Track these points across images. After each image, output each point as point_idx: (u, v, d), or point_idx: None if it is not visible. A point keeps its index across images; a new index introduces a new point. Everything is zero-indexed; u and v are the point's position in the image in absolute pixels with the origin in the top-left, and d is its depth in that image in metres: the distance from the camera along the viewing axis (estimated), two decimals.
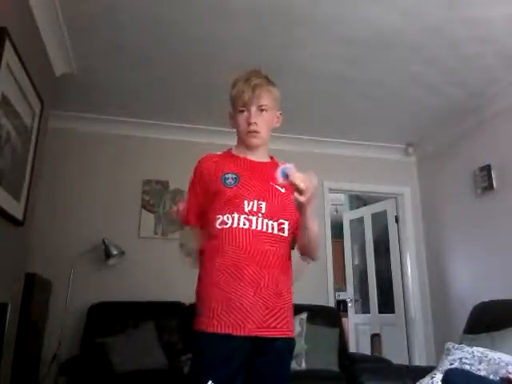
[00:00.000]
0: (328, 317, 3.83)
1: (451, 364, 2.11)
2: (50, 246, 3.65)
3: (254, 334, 1.37)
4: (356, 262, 5.47)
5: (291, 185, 1.37)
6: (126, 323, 3.35)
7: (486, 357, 2.06)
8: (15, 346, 2.67)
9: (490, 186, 3.64)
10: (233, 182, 1.51)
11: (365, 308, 5.21)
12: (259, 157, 1.62)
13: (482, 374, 1.98)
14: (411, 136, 4.53)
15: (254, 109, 1.55)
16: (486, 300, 2.76)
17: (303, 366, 3.40)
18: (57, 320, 3.42)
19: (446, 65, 3.24)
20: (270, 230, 1.46)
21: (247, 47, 3.04)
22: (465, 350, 2.16)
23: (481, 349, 2.13)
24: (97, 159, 4.07)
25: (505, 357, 2.04)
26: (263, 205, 1.48)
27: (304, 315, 3.60)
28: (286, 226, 1.50)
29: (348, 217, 5.62)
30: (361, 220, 5.30)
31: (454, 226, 4.12)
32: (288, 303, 1.47)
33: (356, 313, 5.34)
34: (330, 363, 3.48)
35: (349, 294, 5.47)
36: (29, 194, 2.71)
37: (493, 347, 2.18)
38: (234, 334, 1.35)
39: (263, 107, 1.56)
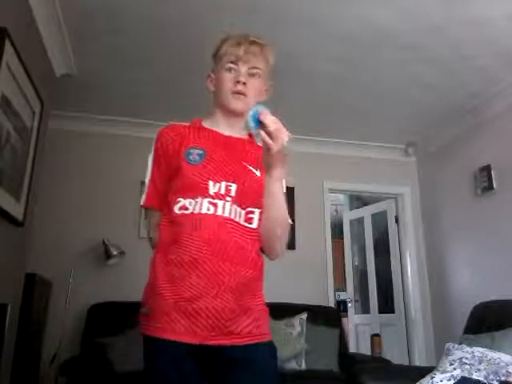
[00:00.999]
0: (328, 317, 3.83)
1: (451, 364, 2.11)
2: (50, 246, 3.65)
3: (215, 341, 1.14)
4: (356, 262, 5.47)
5: (262, 129, 1.12)
6: (126, 323, 3.34)
7: (486, 357, 2.06)
8: (15, 346, 2.67)
9: (490, 187, 3.64)
10: (198, 158, 1.25)
11: (365, 308, 5.21)
12: (235, 131, 1.35)
13: (483, 373, 1.98)
14: (411, 136, 4.53)
15: (244, 68, 1.31)
16: (486, 300, 2.76)
17: (303, 366, 3.40)
18: (57, 320, 3.42)
19: (446, 65, 3.24)
20: (237, 219, 1.22)
21: None
22: (465, 350, 2.17)
23: (481, 349, 2.14)
24: (97, 159, 4.07)
25: (505, 357, 2.04)
26: (233, 187, 1.23)
27: (304, 315, 3.61)
28: (255, 215, 1.26)
29: (348, 217, 5.62)
30: (361, 220, 5.30)
31: (454, 226, 4.12)
32: (260, 304, 1.25)
33: (356, 313, 5.34)
34: (330, 363, 3.48)
35: (349, 294, 5.47)
36: (29, 194, 2.71)
37: (493, 347, 2.18)
38: (191, 341, 1.13)
39: (256, 70, 1.32)
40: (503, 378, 1.93)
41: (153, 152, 1.33)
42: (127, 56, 3.20)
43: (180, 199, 1.23)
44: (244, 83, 1.29)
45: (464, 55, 3.11)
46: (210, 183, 1.22)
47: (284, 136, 1.12)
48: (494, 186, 3.62)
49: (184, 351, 1.13)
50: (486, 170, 3.68)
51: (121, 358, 3.00)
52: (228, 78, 1.31)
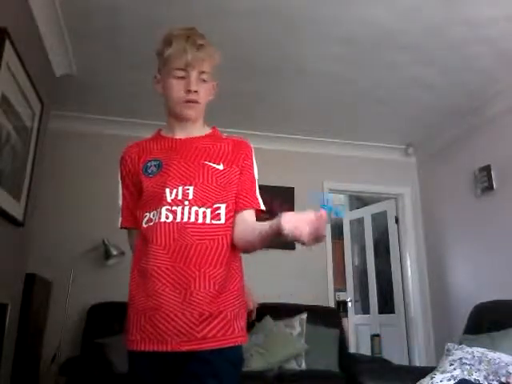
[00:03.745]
0: (328, 317, 3.83)
1: (451, 364, 2.11)
2: (50, 246, 3.65)
3: (184, 348, 1.13)
4: (356, 263, 5.47)
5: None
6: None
7: (486, 357, 2.06)
8: (15, 346, 2.67)
9: (490, 187, 3.64)
10: (155, 169, 1.26)
11: (365, 308, 5.21)
12: (192, 131, 1.34)
13: (483, 374, 1.98)
14: (411, 136, 4.53)
15: (195, 74, 1.27)
16: (486, 300, 2.76)
17: (303, 366, 3.40)
18: (57, 320, 3.42)
19: (446, 65, 3.24)
20: (200, 220, 1.20)
21: (247, 47, 3.03)
22: (465, 350, 2.16)
23: (481, 349, 2.13)
24: (97, 159, 4.07)
25: (505, 357, 2.04)
26: (190, 190, 1.22)
27: (304, 315, 3.61)
28: (222, 210, 1.23)
29: (348, 217, 5.62)
30: (361, 220, 5.30)
31: (454, 226, 4.12)
32: (230, 304, 1.19)
33: (356, 313, 5.34)
34: (330, 363, 3.48)
35: (349, 295, 5.47)
36: (29, 195, 2.71)
37: (493, 347, 2.18)
38: (160, 349, 1.13)
39: (205, 75, 1.29)
40: (503, 379, 1.93)
41: (119, 177, 1.36)
42: (127, 56, 3.20)
43: (146, 214, 1.24)
44: (196, 91, 1.27)
45: (464, 55, 3.11)
46: (167, 191, 1.22)
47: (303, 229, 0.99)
48: (494, 186, 3.61)
49: (156, 360, 1.15)
50: (486, 170, 3.68)
51: (120, 358, 2.99)
52: (178, 87, 1.28)
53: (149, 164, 1.28)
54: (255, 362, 3.20)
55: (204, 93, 1.30)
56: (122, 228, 1.37)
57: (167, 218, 1.20)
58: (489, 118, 3.73)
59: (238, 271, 1.27)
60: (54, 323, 3.44)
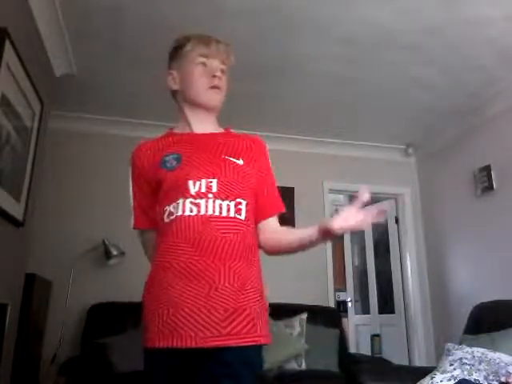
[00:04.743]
0: (328, 317, 3.83)
1: (451, 364, 2.11)
2: (50, 246, 3.65)
3: (209, 344, 1.10)
4: (356, 263, 5.47)
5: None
6: (126, 323, 3.34)
7: (486, 357, 2.06)
8: (15, 346, 2.67)
9: (490, 187, 3.64)
10: (174, 163, 1.24)
11: (365, 308, 5.21)
12: (210, 126, 1.34)
13: (483, 374, 1.98)
14: (411, 136, 4.53)
15: (216, 63, 1.29)
16: (486, 300, 2.76)
17: (303, 366, 3.40)
18: (57, 320, 3.42)
19: (445, 65, 3.24)
20: (224, 213, 1.19)
21: (247, 48, 3.03)
22: (465, 350, 2.16)
23: (481, 349, 2.13)
24: (97, 159, 4.07)
25: (505, 357, 2.04)
26: (214, 183, 1.20)
27: (304, 315, 3.61)
28: (243, 206, 1.23)
29: None
30: None
31: (454, 226, 4.12)
32: (254, 301, 1.18)
33: (356, 313, 5.33)
34: (330, 363, 3.48)
35: (349, 295, 5.46)
36: (29, 195, 2.71)
37: (493, 347, 2.18)
38: (183, 346, 1.09)
39: (225, 67, 1.31)
40: (503, 379, 1.93)
41: (130, 176, 1.36)
42: (127, 56, 3.20)
43: (166, 207, 1.22)
44: (219, 78, 1.28)
45: (464, 55, 3.11)
46: (190, 183, 1.20)
47: (352, 219, 1.12)
48: (494, 186, 3.62)
49: (174, 357, 1.13)
50: (486, 170, 3.68)
51: (121, 358, 3.00)
52: (201, 73, 1.28)
53: (167, 158, 1.26)
54: None
55: (224, 83, 1.31)
56: (134, 229, 1.37)
57: (191, 211, 1.17)
58: (489, 118, 3.73)
59: (258, 268, 1.26)
60: (54, 323, 3.44)
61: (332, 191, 4.69)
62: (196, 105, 1.32)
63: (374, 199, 5.16)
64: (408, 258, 4.57)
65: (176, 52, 1.35)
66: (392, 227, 4.79)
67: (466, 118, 3.96)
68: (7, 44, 2.12)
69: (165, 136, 1.36)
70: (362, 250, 5.27)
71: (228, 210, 1.20)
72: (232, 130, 1.41)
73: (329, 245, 4.40)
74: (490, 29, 2.82)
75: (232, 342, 1.11)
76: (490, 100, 3.65)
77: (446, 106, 3.85)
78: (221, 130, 1.38)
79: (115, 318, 3.41)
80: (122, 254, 3.66)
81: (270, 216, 1.32)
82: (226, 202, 1.20)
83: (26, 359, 2.88)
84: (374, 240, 5.08)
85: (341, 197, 6.33)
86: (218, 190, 1.20)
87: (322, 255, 4.33)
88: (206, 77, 1.28)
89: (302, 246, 1.25)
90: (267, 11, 2.71)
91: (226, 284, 1.14)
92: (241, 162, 1.27)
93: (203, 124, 1.33)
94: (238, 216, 1.21)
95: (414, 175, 4.78)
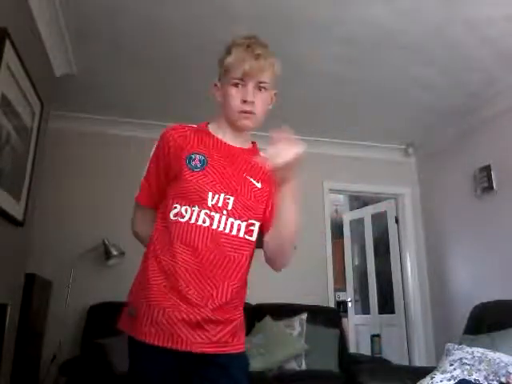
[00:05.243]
0: (328, 317, 3.83)
1: (451, 364, 2.11)
2: (50, 246, 3.65)
3: (197, 349, 1.15)
4: (356, 263, 5.47)
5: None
6: None
7: (486, 357, 2.06)
8: (15, 346, 2.67)
9: (490, 187, 3.64)
10: (199, 165, 1.23)
11: (365, 308, 5.21)
12: (240, 141, 1.34)
13: (483, 374, 1.98)
14: (411, 136, 4.53)
15: (252, 84, 1.26)
16: (486, 300, 2.76)
17: (303, 366, 3.40)
18: (57, 320, 3.42)
19: (445, 65, 3.24)
20: (234, 232, 1.22)
21: None
22: (465, 350, 2.16)
23: (481, 349, 2.13)
24: (97, 159, 4.07)
25: (505, 357, 2.04)
26: (230, 200, 1.22)
27: (304, 316, 3.61)
28: (255, 227, 1.27)
29: (348, 217, 5.62)
30: (361, 221, 5.30)
31: (454, 226, 4.12)
32: (239, 315, 1.25)
33: (356, 313, 5.34)
34: (330, 364, 3.48)
35: (349, 295, 5.47)
36: (29, 195, 2.71)
37: (493, 347, 2.18)
38: (175, 348, 1.14)
39: (263, 85, 1.28)
40: (503, 379, 1.93)
41: (154, 150, 1.32)
42: (127, 56, 3.20)
43: (176, 205, 1.22)
44: (253, 102, 1.26)
45: (464, 55, 3.11)
46: (209, 194, 1.21)
47: (285, 153, 1.11)
48: (494, 186, 3.61)
49: (166, 357, 1.16)
50: (486, 170, 3.68)
51: (121, 358, 2.99)
52: (235, 95, 1.27)
53: (193, 156, 1.25)
54: (255, 362, 3.20)
55: (261, 103, 1.29)
56: (136, 201, 1.38)
57: (204, 222, 1.20)
58: (489, 118, 3.73)
59: (246, 283, 1.29)
60: (54, 323, 3.44)
61: (332, 191, 4.69)
62: (232, 125, 1.32)
63: (374, 199, 5.17)
64: (408, 257, 4.56)
65: (220, 64, 1.33)
66: (392, 227, 4.79)
67: (466, 117, 3.96)
68: (7, 44, 2.12)
69: (199, 129, 1.33)
70: (362, 249, 5.27)
71: (238, 229, 1.23)
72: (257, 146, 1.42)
73: (329, 245, 4.41)
74: (490, 29, 2.82)
75: (221, 350, 1.18)
76: (490, 100, 3.65)
77: (446, 106, 3.85)
78: (249, 145, 1.38)
79: (115, 318, 3.40)
80: (122, 254, 3.66)
81: None
82: (238, 222, 1.23)
83: (25, 359, 2.88)
84: (374, 240, 5.07)
85: (341, 197, 6.34)
86: (232, 208, 1.22)
87: (322, 255, 4.33)
88: (239, 100, 1.27)
89: (281, 218, 1.25)
90: (267, 11, 2.71)
91: (223, 299, 1.19)
92: (259, 185, 1.29)
93: (236, 137, 1.33)
94: (248, 237, 1.25)
95: (414, 175, 4.78)
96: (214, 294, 1.17)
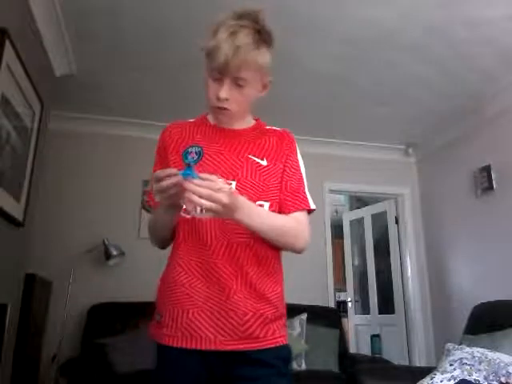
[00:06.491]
0: (328, 317, 3.83)
1: (451, 364, 2.11)
2: (50, 246, 3.65)
3: (228, 347, 1.10)
4: (356, 263, 5.47)
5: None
6: (126, 324, 3.35)
7: (486, 357, 2.06)
8: (15, 346, 2.67)
9: (490, 187, 3.64)
10: (196, 157, 1.17)
11: (365, 308, 5.21)
12: (236, 123, 1.27)
13: (483, 374, 1.98)
14: (411, 137, 4.53)
15: (228, 80, 1.15)
16: (486, 300, 2.76)
17: (303, 366, 3.40)
18: (57, 320, 3.42)
19: (445, 65, 3.24)
20: None
21: None
22: (465, 350, 2.16)
23: (481, 349, 2.13)
24: (96, 159, 4.07)
25: (505, 357, 2.04)
26: (232, 185, 1.15)
27: (304, 316, 3.61)
28: (265, 208, 1.19)
29: (348, 217, 5.62)
30: (361, 221, 5.30)
31: (454, 226, 4.12)
32: (274, 306, 1.17)
33: (356, 313, 5.34)
34: (330, 364, 3.48)
35: (349, 295, 5.47)
36: (29, 195, 2.71)
37: (493, 347, 2.18)
38: (204, 348, 1.09)
39: (241, 82, 1.16)
40: (503, 379, 1.93)
41: (156, 151, 1.31)
42: (127, 56, 3.20)
43: (181, 200, 1.19)
44: (226, 99, 1.17)
45: (464, 55, 3.11)
46: None
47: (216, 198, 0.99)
48: (494, 186, 3.61)
49: (194, 359, 1.11)
50: (486, 170, 3.68)
51: (121, 358, 3.00)
52: (212, 89, 1.18)
53: (189, 150, 1.20)
54: None
55: (238, 100, 1.19)
56: (151, 206, 1.29)
57: None
58: (489, 118, 3.73)
59: (278, 272, 1.23)
60: (54, 323, 3.43)
61: (332, 191, 4.69)
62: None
63: (374, 199, 5.17)
64: (408, 257, 4.57)
65: (205, 45, 1.23)
66: (392, 227, 4.79)
67: (466, 117, 3.96)
68: (7, 44, 2.12)
69: (197, 121, 1.31)
70: (362, 250, 5.27)
71: None
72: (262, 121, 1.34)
73: (329, 245, 4.41)
74: (490, 29, 2.82)
75: (250, 346, 1.11)
76: (490, 100, 3.65)
77: (446, 106, 3.85)
78: (251, 124, 1.31)
79: (115, 318, 3.41)
80: (122, 254, 3.66)
81: (291, 211, 1.22)
82: None
83: (25, 359, 2.88)
84: (374, 240, 5.08)
85: (341, 197, 6.34)
86: (237, 192, 1.13)
87: (322, 255, 4.33)
88: (214, 95, 1.18)
89: (262, 235, 1.16)
90: (267, 11, 2.71)
91: (243, 289, 1.13)
92: (264, 162, 1.22)
93: (229, 124, 1.27)
94: None
95: (414, 175, 4.78)
96: (235, 285, 1.12)
